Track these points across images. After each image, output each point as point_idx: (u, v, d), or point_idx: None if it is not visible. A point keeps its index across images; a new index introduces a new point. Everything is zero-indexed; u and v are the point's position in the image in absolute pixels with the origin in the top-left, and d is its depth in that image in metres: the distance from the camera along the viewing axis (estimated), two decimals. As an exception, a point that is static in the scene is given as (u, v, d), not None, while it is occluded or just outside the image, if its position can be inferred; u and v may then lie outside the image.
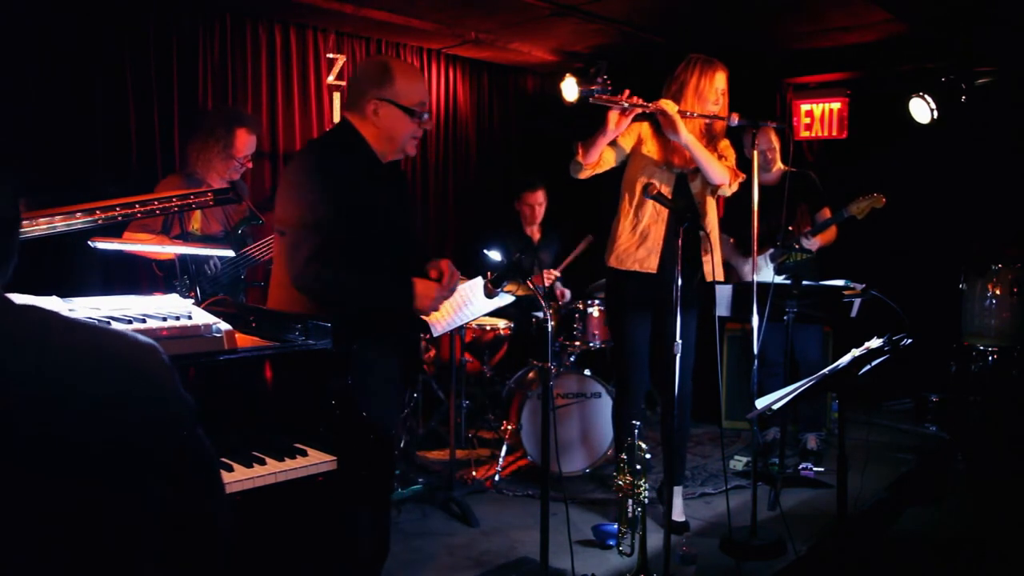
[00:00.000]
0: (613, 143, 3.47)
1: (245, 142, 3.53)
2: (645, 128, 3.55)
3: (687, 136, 3.34)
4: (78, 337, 1.12)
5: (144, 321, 1.76)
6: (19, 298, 1.45)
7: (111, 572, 1.09)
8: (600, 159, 3.46)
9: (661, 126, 3.40)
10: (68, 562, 1.06)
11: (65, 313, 1.19)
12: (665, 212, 3.47)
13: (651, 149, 3.52)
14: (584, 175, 3.49)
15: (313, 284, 2.30)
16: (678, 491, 3.63)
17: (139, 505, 1.11)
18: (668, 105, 3.32)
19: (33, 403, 1.03)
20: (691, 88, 3.42)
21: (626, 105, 3.29)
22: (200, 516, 1.23)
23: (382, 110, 2.40)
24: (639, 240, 3.51)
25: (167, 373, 1.16)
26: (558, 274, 4.94)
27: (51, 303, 1.77)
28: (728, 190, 3.52)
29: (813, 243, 4.32)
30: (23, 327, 1.08)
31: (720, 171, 3.43)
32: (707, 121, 3.46)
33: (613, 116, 3.32)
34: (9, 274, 1.15)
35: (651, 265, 3.49)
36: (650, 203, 3.45)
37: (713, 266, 3.50)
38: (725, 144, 3.55)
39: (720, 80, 3.44)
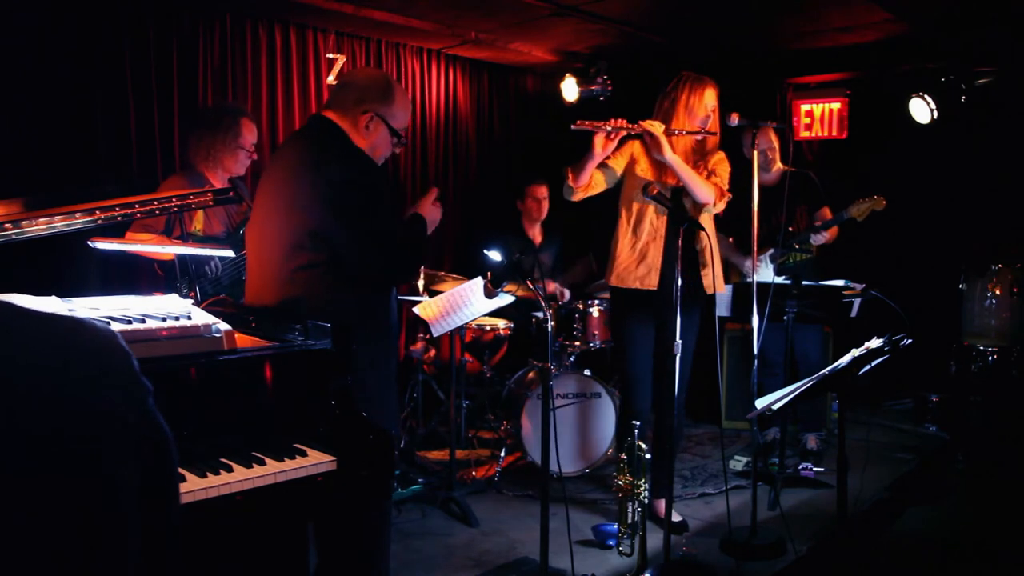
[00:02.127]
0: (603, 166, 3.52)
1: (251, 130, 3.56)
2: (637, 147, 3.58)
3: (671, 156, 3.38)
4: (35, 325, 1.11)
5: (144, 321, 1.76)
6: (18, 298, 1.45)
7: (92, 559, 1.10)
8: (591, 182, 3.51)
9: (648, 147, 3.45)
10: (49, 553, 1.06)
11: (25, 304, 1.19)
12: (663, 229, 3.50)
13: (644, 168, 3.55)
14: (576, 198, 3.55)
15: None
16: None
17: (107, 489, 1.11)
18: (653, 127, 3.37)
19: None
20: (682, 105, 3.46)
21: (609, 129, 3.34)
22: (160, 501, 1.23)
23: (373, 125, 2.43)
24: (638, 258, 3.53)
25: (126, 358, 1.17)
26: (561, 289, 4.97)
27: (51, 303, 1.77)
28: (713, 209, 3.54)
29: (822, 237, 4.30)
30: None
31: (705, 191, 3.45)
32: (698, 137, 3.48)
33: (599, 140, 3.37)
34: None
35: (651, 282, 3.51)
36: (647, 221, 3.51)
37: (713, 279, 3.50)
38: (719, 158, 3.56)
39: (710, 97, 3.47)
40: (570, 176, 3.48)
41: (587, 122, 3.33)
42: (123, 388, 1.16)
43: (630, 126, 3.36)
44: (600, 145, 3.38)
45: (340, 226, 2.32)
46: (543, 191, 5.10)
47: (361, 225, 2.33)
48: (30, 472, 1.05)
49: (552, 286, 4.93)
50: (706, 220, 3.59)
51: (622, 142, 3.50)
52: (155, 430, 1.22)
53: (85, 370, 1.11)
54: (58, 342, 1.11)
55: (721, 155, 3.58)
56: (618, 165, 3.57)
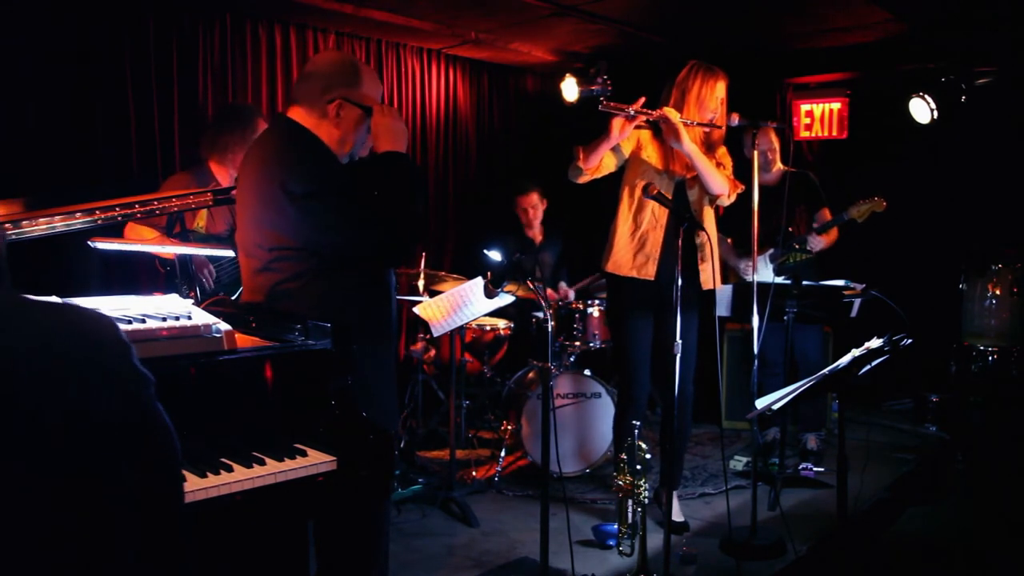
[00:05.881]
0: (613, 147, 3.46)
1: None
2: (645, 134, 3.54)
3: (689, 145, 3.34)
4: (39, 314, 1.13)
5: (144, 321, 1.76)
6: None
7: (89, 554, 1.09)
8: (600, 164, 3.46)
9: (663, 133, 3.40)
10: (46, 546, 1.05)
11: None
12: (663, 218, 3.47)
13: (651, 155, 3.52)
14: (583, 180, 3.49)
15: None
16: (675, 493, 3.62)
17: (106, 482, 1.11)
18: (672, 114, 3.33)
19: None
20: (693, 96, 3.42)
21: (632, 113, 3.29)
22: (161, 494, 1.23)
23: (344, 111, 2.28)
24: (637, 246, 3.50)
25: (124, 347, 1.18)
26: (567, 290, 4.96)
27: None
28: (726, 200, 3.52)
29: (817, 242, 4.30)
30: None
31: (720, 181, 3.43)
32: (706, 129, 3.46)
33: (617, 123, 3.32)
34: None
35: (649, 272, 3.49)
36: (648, 209, 3.46)
37: (713, 274, 3.49)
38: (723, 152, 3.55)
39: (720, 89, 3.44)
40: (581, 156, 3.40)
41: (612, 103, 3.26)
42: (119, 380, 1.16)
43: (650, 112, 3.32)
44: (618, 128, 3.32)
45: (321, 236, 2.22)
46: (532, 199, 5.03)
47: (348, 225, 2.22)
48: (22, 460, 1.05)
49: (560, 291, 4.92)
50: (708, 215, 3.58)
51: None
52: (156, 425, 1.22)
53: (81, 356, 1.12)
54: (57, 328, 1.12)
55: (725, 149, 3.57)
56: (626, 147, 3.51)
